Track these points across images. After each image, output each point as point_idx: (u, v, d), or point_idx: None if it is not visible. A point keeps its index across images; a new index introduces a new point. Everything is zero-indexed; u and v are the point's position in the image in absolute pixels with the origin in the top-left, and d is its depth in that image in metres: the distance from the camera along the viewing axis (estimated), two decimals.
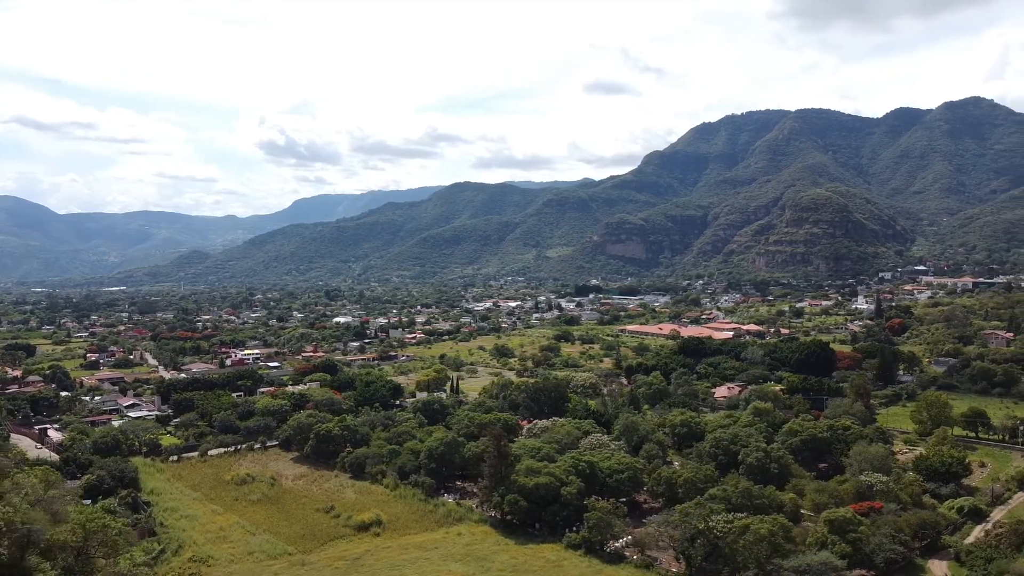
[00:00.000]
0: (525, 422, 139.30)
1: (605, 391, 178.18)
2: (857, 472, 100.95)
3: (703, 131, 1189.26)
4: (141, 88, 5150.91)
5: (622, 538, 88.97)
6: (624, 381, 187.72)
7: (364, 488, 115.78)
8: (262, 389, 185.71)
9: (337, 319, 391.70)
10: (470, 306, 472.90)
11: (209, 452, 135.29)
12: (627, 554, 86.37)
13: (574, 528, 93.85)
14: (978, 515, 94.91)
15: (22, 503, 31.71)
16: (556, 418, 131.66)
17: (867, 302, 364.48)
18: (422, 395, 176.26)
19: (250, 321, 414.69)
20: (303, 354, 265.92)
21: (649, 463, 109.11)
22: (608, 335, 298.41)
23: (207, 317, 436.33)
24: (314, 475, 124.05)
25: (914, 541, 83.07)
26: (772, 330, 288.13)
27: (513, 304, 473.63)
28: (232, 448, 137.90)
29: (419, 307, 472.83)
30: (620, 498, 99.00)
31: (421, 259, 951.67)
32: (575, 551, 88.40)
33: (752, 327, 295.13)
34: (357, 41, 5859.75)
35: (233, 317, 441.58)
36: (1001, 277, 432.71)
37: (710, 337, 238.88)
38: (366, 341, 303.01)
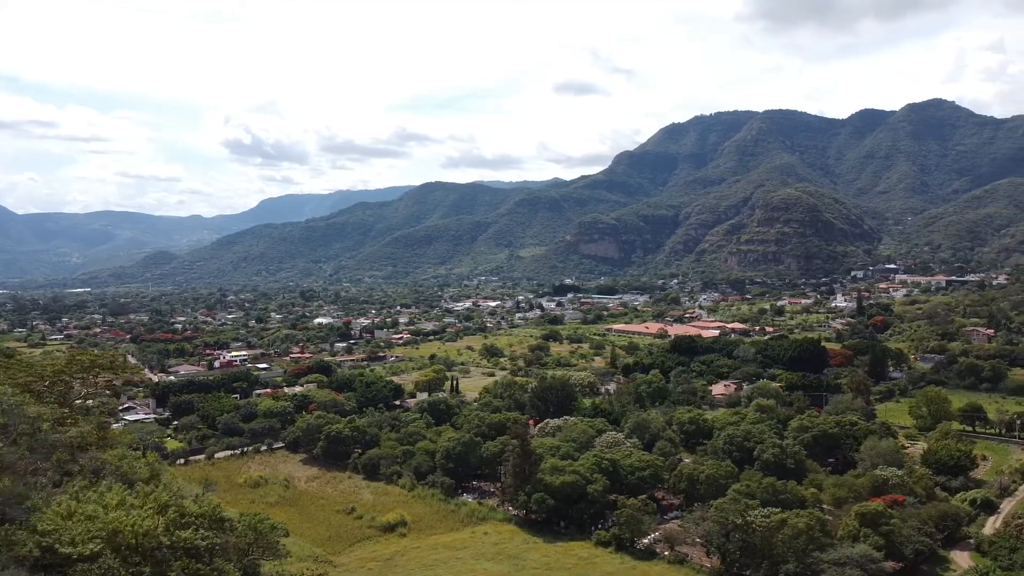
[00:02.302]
0: (532, 421, 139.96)
1: (603, 390, 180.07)
2: (870, 467, 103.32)
3: (672, 131, 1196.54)
4: (102, 86, 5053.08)
5: (650, 534, 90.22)
6: (621, 379, 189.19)
7: (380, 489, 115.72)
8: (257, 391, 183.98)
9: (318, 320, 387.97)
10: (449, 306, 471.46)
11: (216, 455, 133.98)
12: (658, 550, 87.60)
13: (600, 525, 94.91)
14: (989, 507, 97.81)
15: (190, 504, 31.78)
16: (567, 417, 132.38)
17: (846, 300, 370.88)
18: (423, 395, 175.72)
19: (228, 322, 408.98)
20: (290, 355, 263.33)
21: (665, 460, 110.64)
22: (595, 334, 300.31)
23: (183, 318, 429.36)
24: (327, 476, 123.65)
25: (936, 532, 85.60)
26: (757, 328, 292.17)
27: (493, 304, 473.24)
28: (239, 451, 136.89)
29: (399, 307, 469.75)
30: (641, 495, 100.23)
31: (393, 259, 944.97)
32: (605, 548, 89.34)
33: (737, 325, 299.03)
34: (325, 40, 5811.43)
35: (210, 318, 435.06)
36: (972, 275, 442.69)
37: (699, 335, 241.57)
38: (352, 342, 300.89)
